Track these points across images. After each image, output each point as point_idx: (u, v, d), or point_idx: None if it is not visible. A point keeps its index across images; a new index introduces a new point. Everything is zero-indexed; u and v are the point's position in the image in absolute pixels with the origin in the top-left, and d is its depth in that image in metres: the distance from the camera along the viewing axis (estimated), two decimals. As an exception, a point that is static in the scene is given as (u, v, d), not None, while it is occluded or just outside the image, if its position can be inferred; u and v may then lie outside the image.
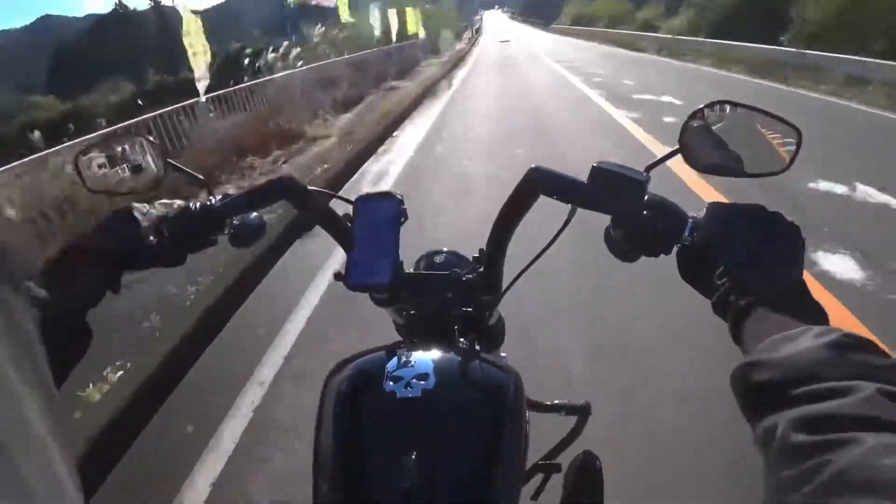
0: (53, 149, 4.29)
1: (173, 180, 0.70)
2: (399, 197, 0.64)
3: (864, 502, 0.27)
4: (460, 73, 15.27)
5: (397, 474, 0.48)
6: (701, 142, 0.57)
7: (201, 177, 0.68)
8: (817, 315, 0.44)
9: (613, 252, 0.59)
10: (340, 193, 0.74)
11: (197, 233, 0.62)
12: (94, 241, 0.57)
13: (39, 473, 0.20)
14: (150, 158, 0.68)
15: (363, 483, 0.51)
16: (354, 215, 0.64)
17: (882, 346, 0.37)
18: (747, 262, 0.47)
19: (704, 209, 0.52)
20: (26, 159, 3.94)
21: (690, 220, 0.53)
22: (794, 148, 0.54)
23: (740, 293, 0.47)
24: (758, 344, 0.42)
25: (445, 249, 0.79)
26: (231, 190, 0.69)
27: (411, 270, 0.72)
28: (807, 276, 0.47)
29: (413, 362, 0.55)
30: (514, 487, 0.55)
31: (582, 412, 0.88)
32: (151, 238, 0.59)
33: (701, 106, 0.56)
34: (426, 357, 0.56)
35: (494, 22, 76.58)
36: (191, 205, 0.63)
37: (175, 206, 0.63)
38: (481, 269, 0.68)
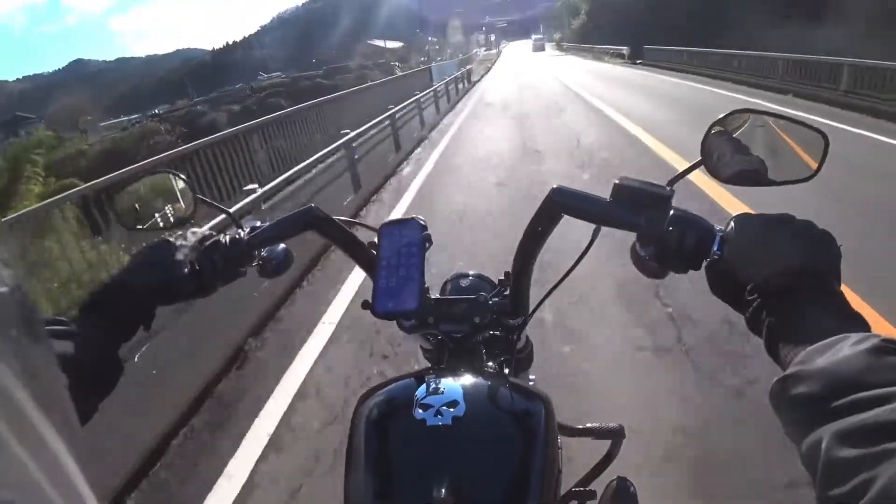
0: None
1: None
2: (423, 223, 0.64)
3: None
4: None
5: (428, 503, 0.48)
6: (723, 152, 0.56)
7: (229, 211, 0.70)
8: (857, 324, 0.42)
9: (641, 270, 0.58)
10: (364, 222, 0.75)
11: (226, 265, 0.64)
12: (129, 276, 0.59)
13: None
14: (179, 193, 0.71)
15: None
16: (379, 242, 0.64)
17: None
18: (778, 275, 0.45)
19: (732, 221, 0.51)
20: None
21: (718, 234, 0.51)
22: (820, 153, 0.53)
23: (773, 308, 0.45)
24: (794, 358, 0.40)
25: (471, 273, 0.78)
26: (258, 223, 0.72)
27: (437, 296, 0.72)
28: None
29: (442, 389, 0.54)
30: None
31: (615, 436, 0.85)
32: (185, 271, 0.61)
33: (722, 115, 0.55)
34: (455, 384, 0.55)
35: (521, 75, 23.25)
36: (220, 238, 0.64)
37: (205, 236, 0.65)
38: (507, 293, 0.67)
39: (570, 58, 36.98)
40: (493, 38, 64.83)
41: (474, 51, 56.74)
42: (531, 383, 0.84)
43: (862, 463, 0.30)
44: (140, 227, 0.71)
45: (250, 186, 4.09)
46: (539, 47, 58.29)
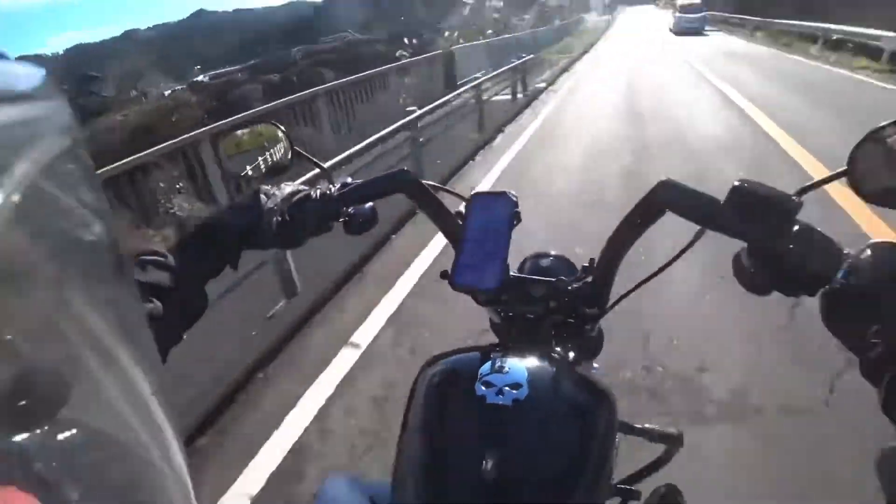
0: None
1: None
2: (514, 198, 0.62)
3: None
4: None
5: (477, 479, 0.48)
6: (875, 165, 0.48)
7: (324, 165, 0.72)
8: None
9: (742, 282, 0.53)
10: (456, 191, 0.74)
11: (314, 219, 0.66)
12: (222, 219, 0.63)
13: (148, 441, 0.22)
14: (278, 144, 0.73)
15: (441, 482, 0.52)
16: (466, 213, 0.63)
17: None
18: None
19: (867, 248, 0.44)
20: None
21: (847, 260, 0.45)
22: None
23: None
24: None
25: (553, 253, 0.77)
26: (350, 179, 0.73)
27: (515, 273, 0.70)
28: None
29: (507, 369, 0.53)
30: None
31: (672, 442, 0.82)
32: (275, 219, 0.63)
33: (883, 124, 0.48)
34: (520, 365, 0.54)
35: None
36: (311, 192, 0.66)
37: (297, 189, 0.67)
38: (589, 280, 0.65)
39: (740, 42, 18.41)
40: (607, 1, 45.26)
41: (579, 16, 36.91)
42: (595, 371, 0.82)
43: None
44: (241, 172, 0.75)
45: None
46: (692, 26, 23.54)
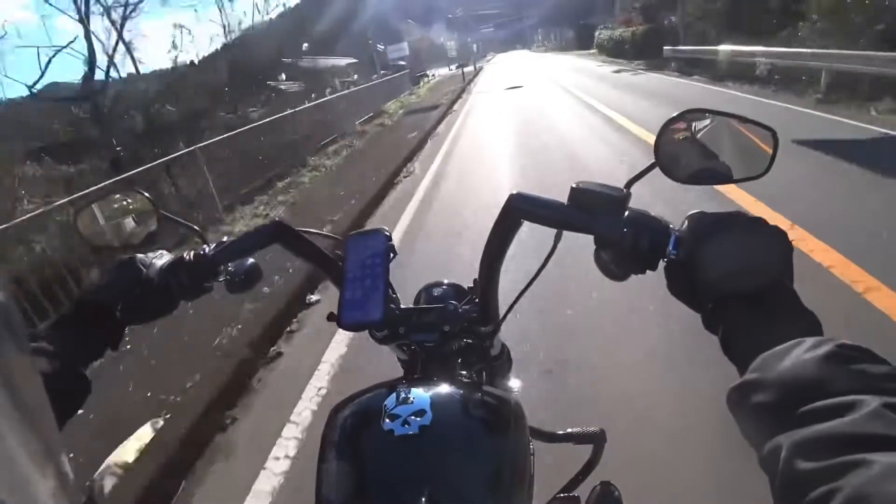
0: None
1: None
2: (387, 233, 0.64)
3: None
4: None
5: None
6: (678, 152, 0.57)
7: (195, 226, 0.70)
8: (810, 324, 0.43)
9: (603, 272, 0.57)
10: (331, 234, 0.74)
11: (192, 281, 0.64)
12: (98, 297, 0.59)
13: None
14: (144, 211, 0.70)
15: None
16: (345, 254, 0.63)
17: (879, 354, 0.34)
18: (731, 271, 0.46)
19: (686, 221, 0.51)
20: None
21: (674, 235, 0.51)
22: (771, 148, 0.54)
23: (728, 309, 0.45)
24: (750, 361, 0.40)
25: (445, 282, 0.78)
26: (226, 238, 0.72)
27: (409, 305, 0.71)
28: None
29: (411, 399, 0.54)
30: None
31: (597, 440, 0.85)
32: (153, 289, 0.61)
33: (673, 115, 0.56)
34: (424, 393, 0.55)
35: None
36: (184, 255, 0.64)
37: (172, 256, 0.65)
38: (476, 300, 0.67)
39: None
40: (475, 47, 40.15)
41: (422, 72, 29.17)
42: (515, 391, 0.84)
43: (822, 475, 0.30)
44: (106, 245, 0.71)
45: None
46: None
